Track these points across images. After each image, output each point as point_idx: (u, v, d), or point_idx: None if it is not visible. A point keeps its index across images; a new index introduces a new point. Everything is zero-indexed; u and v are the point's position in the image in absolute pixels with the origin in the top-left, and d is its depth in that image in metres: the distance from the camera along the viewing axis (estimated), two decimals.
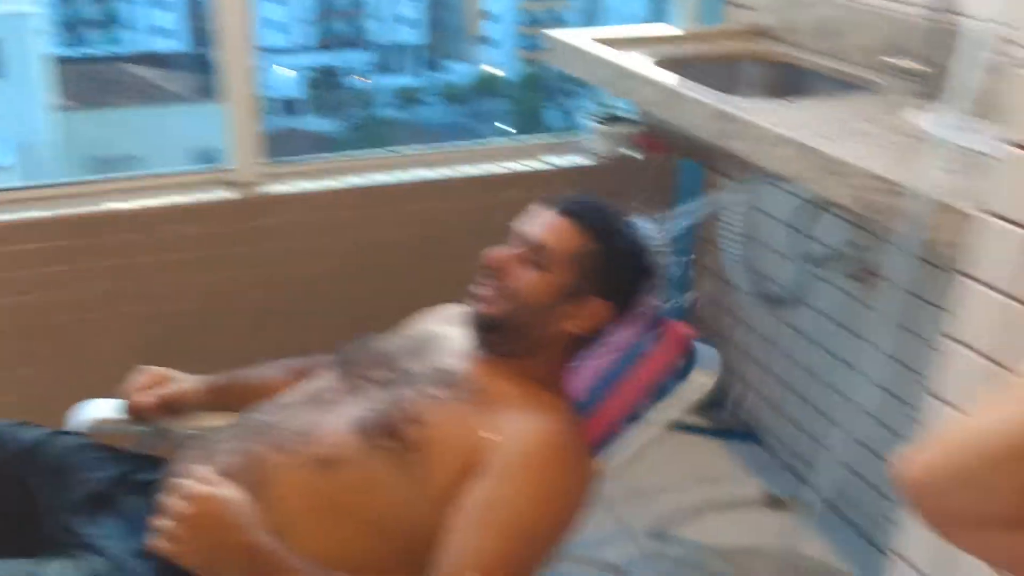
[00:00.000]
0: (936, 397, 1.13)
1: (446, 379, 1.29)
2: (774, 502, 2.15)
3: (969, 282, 1.05)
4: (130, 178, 2.00)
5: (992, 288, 1.03)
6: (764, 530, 2.07)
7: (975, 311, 1.05)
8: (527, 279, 1.29)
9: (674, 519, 2.09)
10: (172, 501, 1.12)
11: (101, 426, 1.47)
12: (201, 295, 2.01)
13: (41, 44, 12.38)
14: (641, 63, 1.77)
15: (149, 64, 15.52)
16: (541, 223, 1.31)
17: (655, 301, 1.47)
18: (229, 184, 2.03)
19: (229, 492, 1.14)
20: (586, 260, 1.29)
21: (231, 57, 1.94)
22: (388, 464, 1.21)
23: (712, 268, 2.46)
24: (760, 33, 2.10)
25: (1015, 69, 0.96)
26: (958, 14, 1.47)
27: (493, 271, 1.30)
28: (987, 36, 1.03)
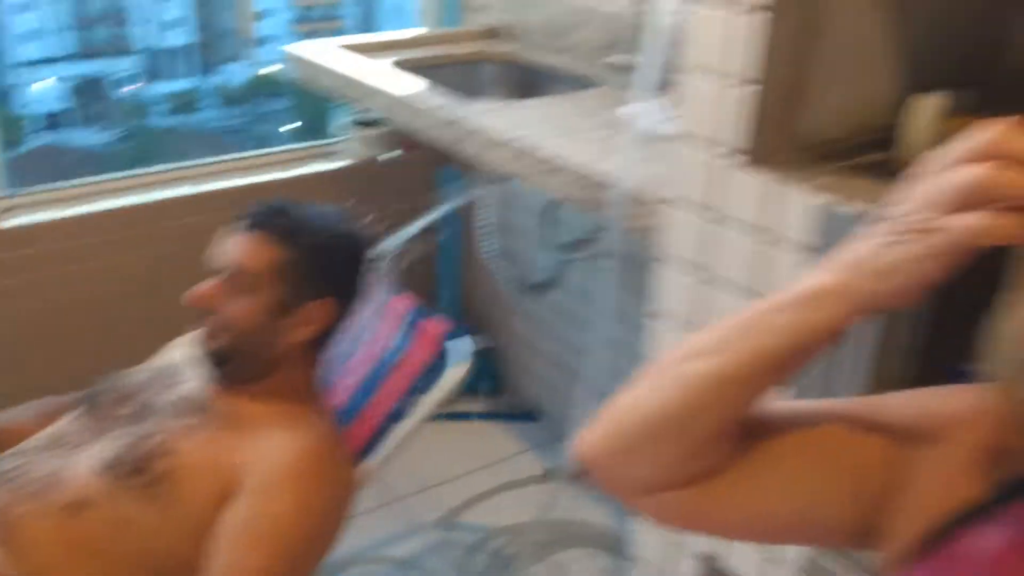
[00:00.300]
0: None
1: (193, 407, 1.28)
2: (551, 475, 2.27)
3: (662, 262, 1.16)
4: None
5: (679, 264, 1.14)
6: (544, 503, 2.17)
7: (669, 285, 1.17)
8: (237, 307, 1.27)
9: (461, 507, 2.16)
10: None
11: None
12: None
13: None
14: (380, 69, 1.81)
15: None
16: (234, 246, 1.29)
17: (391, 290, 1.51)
18: None
19: None
20: (287, 269, 1.27)
21: None
22: (138, 500, 1.19)
23: (480, 258, 2.55)
24: (497, 34, 2.19)
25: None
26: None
27: (203, 308, 1.28)
28: (666, 24, 1.14)
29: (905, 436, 0.66)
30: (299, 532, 1.19)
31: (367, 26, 8.08)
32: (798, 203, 0.97)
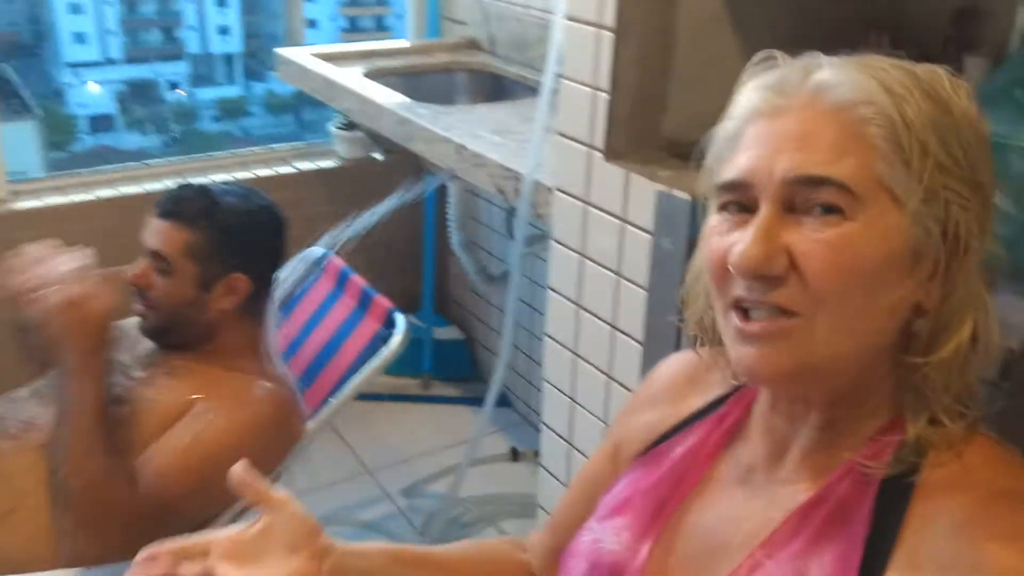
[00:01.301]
0: (549, 336, 1.43)
1: (148, 364, 1.47)
2: (517, 455, 2.45)
3: (553, 243, 1.35)
4: None
5: (566, 246, 1.33)
6: (507, 480, 2.35)
7: (558, 262, 1.35)
8: (161, 287, 1.43)
9: (427, 479, 2.35)
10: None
11: None
12: None
13: None
14: (350, 76, 2.02)
15: None
16: (152, 232, 1.44)
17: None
18: None
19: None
20: (197, 250, 1.42)
21: None
22: None
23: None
24: (471, 46, 2.40)
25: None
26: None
27: (135, 288, 1.45)
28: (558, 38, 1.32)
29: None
30: (220, 445, 1.33)
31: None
32: (641, 190, 1.15)
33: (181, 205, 1.44)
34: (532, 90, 2.14)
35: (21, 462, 1.38)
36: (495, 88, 2.28)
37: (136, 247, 2.26)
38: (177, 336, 1.48)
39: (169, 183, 2.33)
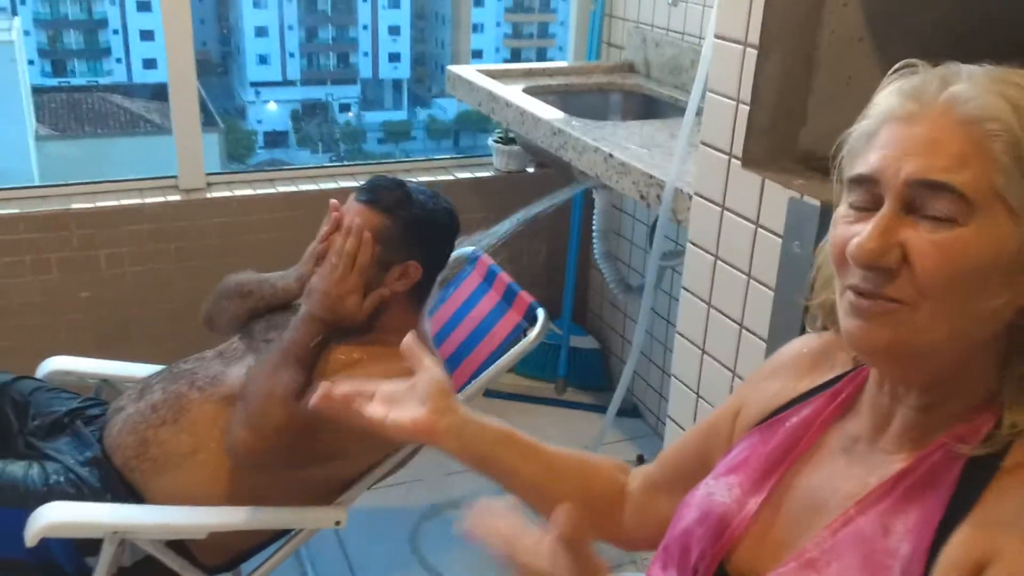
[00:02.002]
0: (679, 334, 1.52)
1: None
2: (642, 462, 2.52)
3: (689, 245, 1.44)
4: (94, 182, 2.40)
5: (701, 248, 1.42)
6: None
7: (694, 264, 1.44)
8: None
9: None
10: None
11: (59, 376, 1.86)
12: (141, 283, 2.39)
13: (22, 72, 12.66)
14: (511, 91, 2.18)
15: (132, 94, 15.89)
16: (351, 212, 1.61)
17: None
18: (175, 189, 2.43)
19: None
20: (385, 233, 1.59)
21: (177, 85, 2.33)
22: None
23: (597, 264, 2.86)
24: (627, 68, 2.52)
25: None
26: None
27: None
28: (708, 56, 1.42)
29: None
30: None
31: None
32: (774, 196, 1.23)
33: (379, 193, 1.62)
34: (681, 111, 2.23)
35: (206, 411, 1.58)
36: (646, 108, 2.39)
37: (307, 235, 2.50)
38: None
39: (343, 183, 2.55)
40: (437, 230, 1.68)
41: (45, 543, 1.45)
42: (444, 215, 1.69)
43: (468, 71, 2.31)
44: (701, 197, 1.40)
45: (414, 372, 1.00)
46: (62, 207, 2.29)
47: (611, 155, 1.69)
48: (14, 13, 19.99)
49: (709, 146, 1.36)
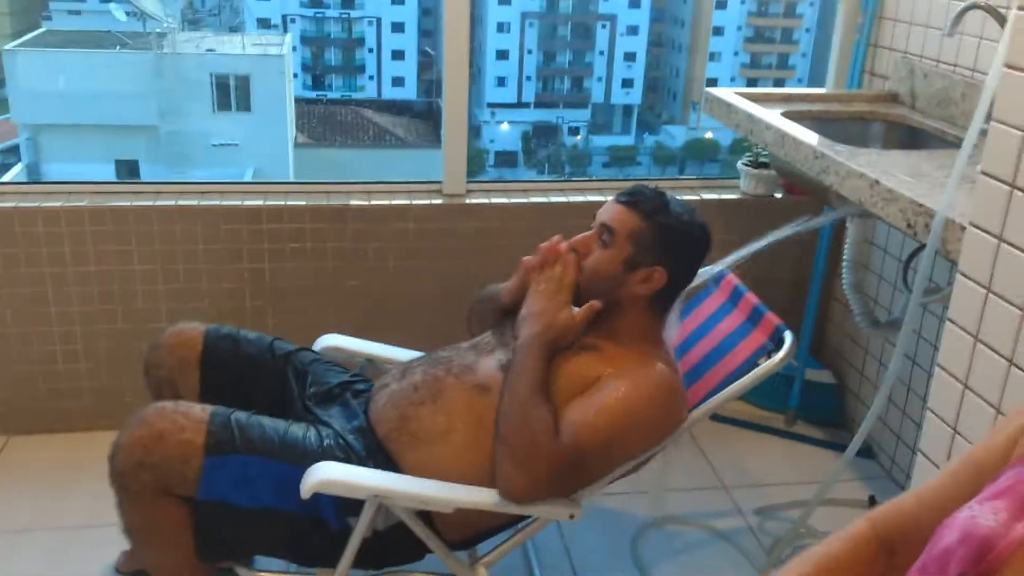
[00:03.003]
0: (940, 367, 1.48)
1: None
2: (874, 503, 2.43)
3: (959, 276, 1.41)
4: (370, 183, 2.64)
5: (972, 280, 1.38)
6: None
7: (962, 298, 1.41)
8: (596, 255, 1.70)
9: (781, 506, 2.42)
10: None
11: (332, 352, 2.06)
12: (400, 277, 2.58)
13: (287, 84, 13.83)
14: (770, 114, 2.19)
15: (382, 110, 16.93)
16: (609, 211, 1.71)
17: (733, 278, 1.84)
18: (439, 193, 2.62)
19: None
20: (639, 235, 1.67)
21: (451, 100, 2.52)
22: None
23: (841, 299, 2.79)
24: (891, 99, 2.46)
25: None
26: None
27: (573, 248, 1.72)
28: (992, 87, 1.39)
29: None
30: (626, 411, 1.57)
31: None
32: None
33: (640, 198, 1.71)
34: (947, 143, 2.17)
35: (460, 395, 1.71)
36: (910, 139, 2.32)
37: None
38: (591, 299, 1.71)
39: (591, 197, 2.65)
40: (689, 243, 1.74)
41: (315, 499, 1.59)
42: (698, 230, 1.75)
43: (727, 93, 2.34)
44: (976, 227, 1.37)
45: None
46: (342, 203, 2.53)
47: (878, 181, 1.67)
48: (285, 31, 21.93)
49: (990, 176, 1.33)
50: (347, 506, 1.64)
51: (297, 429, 1.69)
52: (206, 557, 1.64)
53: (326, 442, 1.68)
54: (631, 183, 2.68)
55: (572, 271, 1.71)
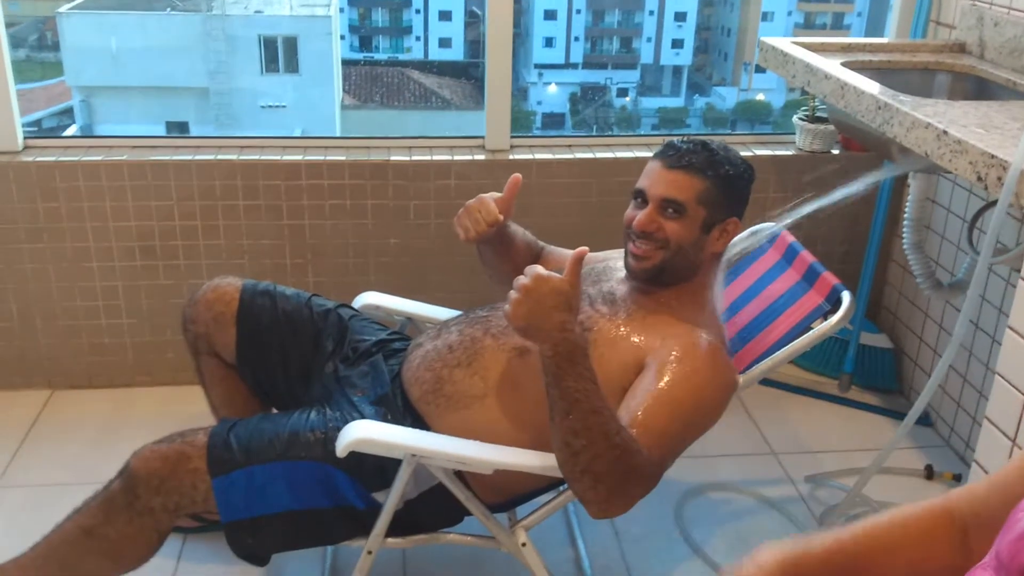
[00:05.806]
0: (999, 375, 1.38)
1: (612, 300, 1.67)
2: (931, 474, 2.34)
3: None
4: (410, 137, 2.58)
5: None
6: (916, 496, 2.25)
7: None
8: (672, 229, 1.61)
9: (833, 474, 2.34)
10: (519, 278, 1.39)
11: (371, 310, 2.02)
12: (442, 235, 2.52)
13: (333, 46, 13.77)
14: (829, 64, 2.07)
15: (428, 71, 16.79)
16: (661, 181, 1.61)
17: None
18: (482, 149, 2.55)
19: (559, 282, 1.39)
20: (706, 195, 1.61)
21: (495, 58, 2.45)
22: None
23: (899, 260, 2.68)
24: (958, 49, 2.33)
25: None
26: None
27: (645, 232, 1.62)
28: None
29: None
30: (689, 403, 1.49)
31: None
32: None
33: (689, 157, 1.63)
34: (1021, 95, 2.04)
35: (498, 358, 1.65)
36: (978, 90, 2.19)
37: (599, 200, 2.55)
38: (670, 275, 1.65)
39: (638, 152, 2.56)
40: (747, 183, 1.70)
41: (335, 488, 1.58)
42: (745, 166, 1.70)
43: (783, 43, 2.22)
44: None
45: None
46: (382, 158, 2.47)
47: (946, 132, 1.57)
48: None
49: None
50: (371, 481, 1.60)
51: (300, 419, 1.64)
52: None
53: (331, 425, 1.62)
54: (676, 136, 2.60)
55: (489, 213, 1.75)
